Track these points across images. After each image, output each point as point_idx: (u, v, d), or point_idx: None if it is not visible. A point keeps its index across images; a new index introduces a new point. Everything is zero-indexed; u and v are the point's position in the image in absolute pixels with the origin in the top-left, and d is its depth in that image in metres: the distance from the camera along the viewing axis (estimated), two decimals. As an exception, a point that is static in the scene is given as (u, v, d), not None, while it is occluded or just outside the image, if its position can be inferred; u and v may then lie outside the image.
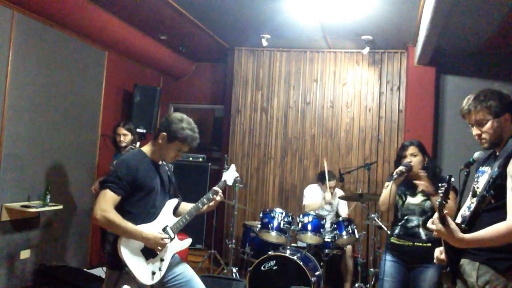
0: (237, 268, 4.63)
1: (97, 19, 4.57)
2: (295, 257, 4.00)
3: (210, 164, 6.20)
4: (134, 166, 2.37)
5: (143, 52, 5.63)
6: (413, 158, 2.88)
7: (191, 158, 6.10)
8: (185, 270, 2.55)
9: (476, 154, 2.03)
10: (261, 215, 4.51)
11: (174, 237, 2.49)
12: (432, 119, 5.24)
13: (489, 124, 1.94)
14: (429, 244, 2.77)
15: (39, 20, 4.19)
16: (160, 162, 2.56)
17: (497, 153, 1.98)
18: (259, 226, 4.44)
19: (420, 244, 2.79)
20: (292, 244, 4.45)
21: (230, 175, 2.88)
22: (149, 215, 2.42)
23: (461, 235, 1.77)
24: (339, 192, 5.06)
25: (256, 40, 5.37)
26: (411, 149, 2.91)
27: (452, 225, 1.76)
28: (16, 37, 3.96)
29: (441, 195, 1.80)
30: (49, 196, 4.19)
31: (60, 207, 4.32)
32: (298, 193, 5.61)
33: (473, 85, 5.26)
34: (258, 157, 5.86)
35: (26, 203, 4.07)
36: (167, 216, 2.51)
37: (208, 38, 5.51)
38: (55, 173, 4.51)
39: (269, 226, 4.37)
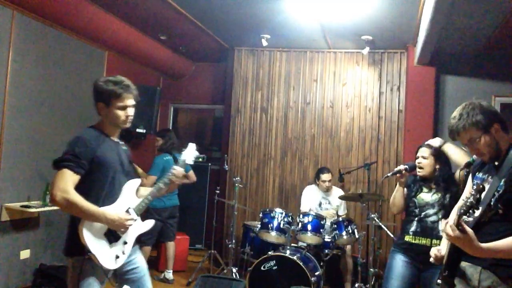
0: (237, 268, 4.64)
1: (97, 19, 4.57)
2: (295, 257, 4.00)
3: (210, 164, 6.19)
4: (93, 143, 2.22)
5: (143, 52, 5.63)
6: (423, 160, 2.91)
7: (191, 158, 6.07)
8: (142, 265, 2.44)
9: None
10: (261, 215, 4.51)
11: (136, 219, 2.35)
12: (432, 119, 5.25)
13: (482, 141, 1.91)
14: None
15: (39, 20, 4.19)
16: (116, 140, 2.42)
17: (496, 162, 1.95)
18: (259, 226, 4.44)
19: (437, 241, 2.75)
20: (292, 244, 4.45)
21: (189, 154, 2.61)
22: (109, 196, 2.26)
23: (478, 243, 1.71)
24: (339, 191, 5.05)
25: (256, 40, 5.37)
26: (422, 151, 2.94)
27: (470, 232, 1.70)
28: (16, 37, 3.96)
29: (468, 204, 1.69)
30: (49, 196, 4.19)
31: (60, 207, 4.32)
32: (298, 193, 5.60)
33: (473, 85, 5.28)
34: (258, 157, 5.86)
35: (26, 203, 4.08)
36: (129, 197, 2.36)
37: (208, 38, 5.51)
38: (55, 173, 4.50)
39: (269, 226, 4.37)
